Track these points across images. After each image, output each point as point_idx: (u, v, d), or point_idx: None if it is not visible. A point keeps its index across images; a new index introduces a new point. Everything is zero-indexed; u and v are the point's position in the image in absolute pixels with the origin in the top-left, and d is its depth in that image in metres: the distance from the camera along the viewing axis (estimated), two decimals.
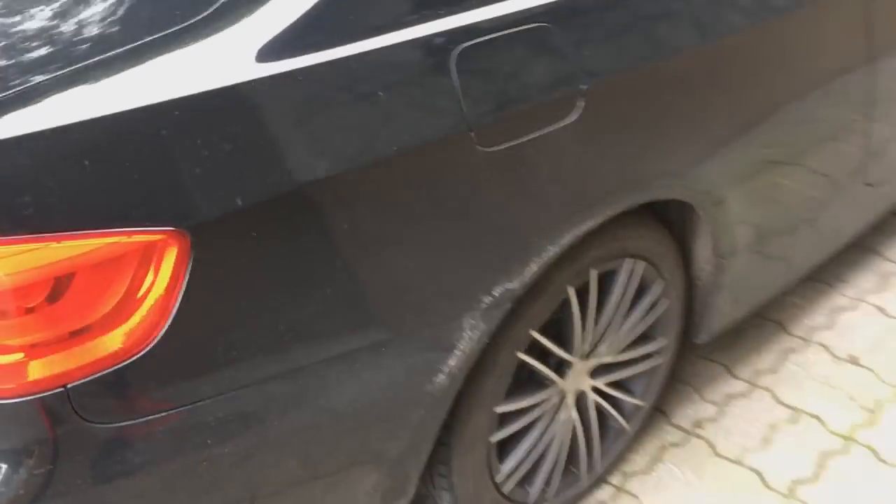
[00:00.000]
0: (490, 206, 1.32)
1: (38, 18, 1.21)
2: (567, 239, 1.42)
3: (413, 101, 1.23)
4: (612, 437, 1.91)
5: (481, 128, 1.27)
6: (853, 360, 2.27)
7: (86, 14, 1.18)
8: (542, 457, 1.74)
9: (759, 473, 1.98)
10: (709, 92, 1.57)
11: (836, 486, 1.94)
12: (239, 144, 1.12)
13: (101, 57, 1.09)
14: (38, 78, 1.06)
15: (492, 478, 1.65)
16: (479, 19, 1.28)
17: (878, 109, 2.03)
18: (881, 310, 2.43)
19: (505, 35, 1.30)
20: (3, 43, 1.17)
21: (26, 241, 1.01)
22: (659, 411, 2.12)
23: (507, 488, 1.69)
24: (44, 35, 1.17)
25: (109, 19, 1.17)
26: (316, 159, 1.16)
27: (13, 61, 1.13)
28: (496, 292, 1.36)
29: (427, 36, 1.24)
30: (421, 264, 1.28)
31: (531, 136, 1.32)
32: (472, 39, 1.27)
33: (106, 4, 1.19)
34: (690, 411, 2.15)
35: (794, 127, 1.81)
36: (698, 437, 2.09)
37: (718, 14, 1.55)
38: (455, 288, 1.33)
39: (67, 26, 1.17)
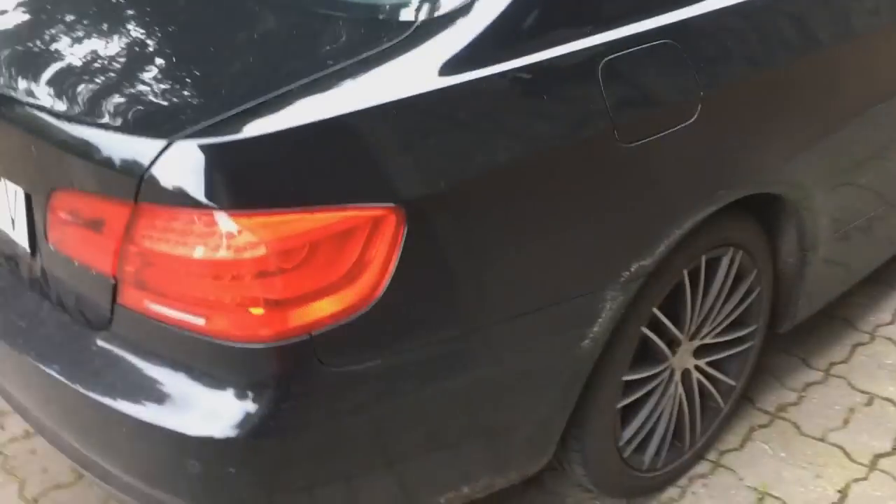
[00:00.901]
0: (630, 193, 1.57)
1: (280, 40, 1.48)
2: (688, 224, 1.66)
3: (569, 103, 1.49)
4: (710, 415, 2.12)
5: (622, 126, 1.52)
6: None
7: (316, 36, 1.45)
8: (654, 427, 1.96)
9: (842, 448, 2.19)
10: (797, 99, 1.82)
11: None
12: (439, 139, 1.37)
13: (331, 70, 1.35)
14: (287, 87, 1.32)
15: (615, 442, 1.86)
16: (618, 37, 1.53)
17: None
18: None
19: (638, 49, 1.56)
20: (265, 56, 1.44)
21: (289, 214, 1.27)
22: (745, 398, 2.32)
23: (625, 453, 1.91)
24: (284, 53, 1.44)
25: (332, 40, 1.43)
26: (496, 151, 1.42)
27: (267, 73, 1.39)
28: (633, 268, 1.60)
29: (578, 50, 1.49)
30: (577, 241, 1.53)
31: (661, 134, 1.57)
32: (613, 53, 1.52)
33: (329, 31, 1.46)
34: (773, 397, 2.36)
35: (864, 135, 2.05)
36: (783, 419, 2.29)
37: (806, 35, 1.81)
38: (602, 262, 1.57)
39: (301, 45, 1.44)
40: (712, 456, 2.19)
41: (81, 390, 1.41)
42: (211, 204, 1.25)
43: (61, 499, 2.12)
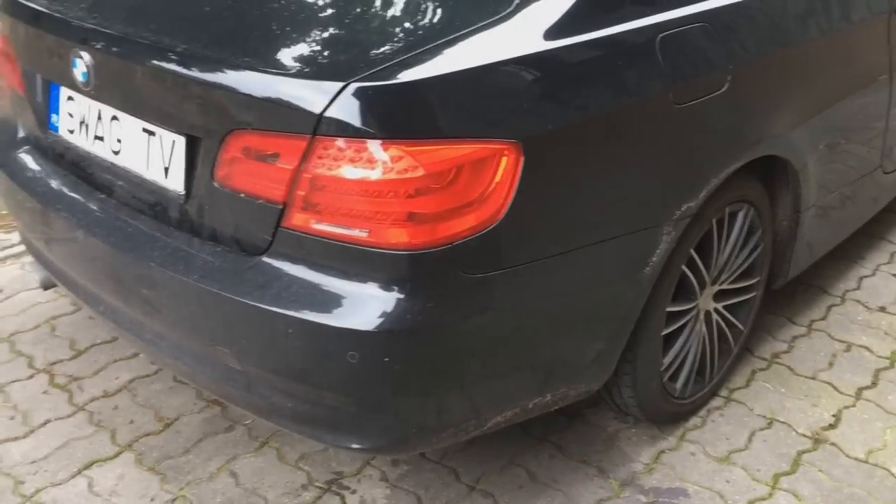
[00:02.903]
0: (683, 144, 1.92)
1: (419, 8, 1.79)
2: (723, 175, 2.02)
3: (638, 68, 1.83)
4: (723, 355, 2.47)
5: (675, 90, 1.88)
6: (882, 309, 2.91)
7: (447, 6, 1.77)
8: (684, 359, 2.30)
9: (831, 384, 2.57)
10: (801, 78, 2.22)
11: (891, 390, 2.53)
12: (545, 90, 1.70)
13: (463, 31, 1.67)
14: (432, 43, 1.63)
15: (658, 366, 2.19)
16: (669, 18, 1.90)
17: (893, 111, 2.72)
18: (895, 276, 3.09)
19: (683, 29, 1.92)
20: (409, 19, 1.75)
21: (440, 143, 1.57)
22: (745, 349, 2.68)
23: (664, 378, 2.24)
24: (424, 17, 1.75)
25: (459, 10, 1.75)
26: (584, 103, 1.75)
27: (414, 32, 1.70)
28: (683, 208, 1.95)
29: (643, 26, 1.85)
30: (646, 180, 1.87)
31: (703, 99, 1.94)
32: (667, 31, 1.88)
33: (454, 2, 1.78)
34: (768, 347, 2.74)
35: (845, 116, 2.47)
36: (779, 363, 2.67)
37: (810, 23, 2.23)
38: (663, 200, 1.91)
39: (437, 12, 1.76)
40: (724, 393, 2.54)
41: (249, 302, 1.66)
42: (379, 134, 1.55)
43: (152, 443, 2.33)
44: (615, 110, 1.79)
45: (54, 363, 2.65)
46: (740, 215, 2.27)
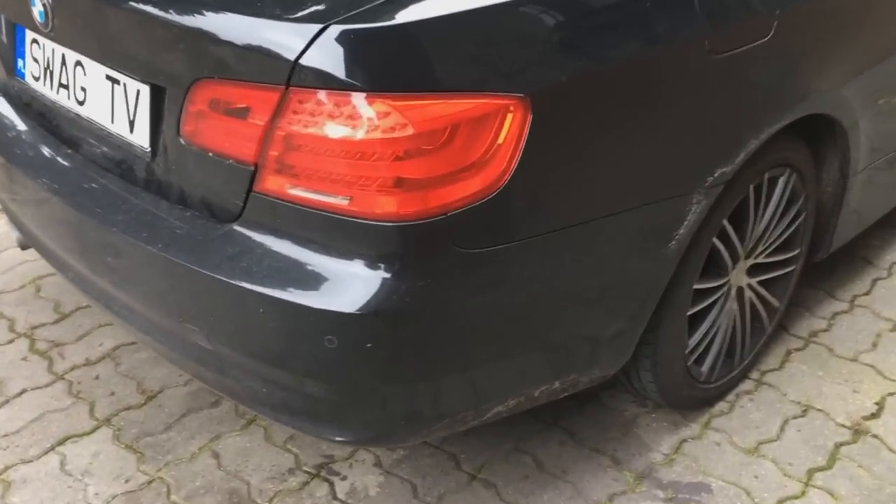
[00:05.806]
0: (718, 101, 1.68)
1: None
2: (764, 136, 1.78)
3: (670, 12, 1.59)
4: (756, 335, 2.25)
5: (712, 38, 1.63)
6: None
7: None
8: (712, 340, 2.08)
9: (874, 367, 2.34)
10: (855, 28, 1.95)
11: None
12: (560, 36, 1.47)
13: None
14: None
15: (683, 349, 1.97)
16: None
17: None
18: None
19: None
20: None
21: (433, 98, 1.35)
22: (779, 326, 2.46)
23: (688, 362, 2.02)
24: None
25: None
26: (606, 51, 1.51)
27: None
28: (716, 173, 1.72)
29: None
30: (672, 142, 1.63)
31: (744, 48, 1.69)
32: None
33: None
34: (805, 325, 2.50)
35: None
36: (816, 343, 2.44)
37: None
38: (692, 165, 1.68)
39: None
40: (755, 375, 2.32)
41: (216, 276, 1.47)
42: (362, 86, 1.33)
43: (132, 418, 2.17)
44: (641, 60, 1.55)
45: (36, 327, 2.49)
46: (781, 181, 2.02)
